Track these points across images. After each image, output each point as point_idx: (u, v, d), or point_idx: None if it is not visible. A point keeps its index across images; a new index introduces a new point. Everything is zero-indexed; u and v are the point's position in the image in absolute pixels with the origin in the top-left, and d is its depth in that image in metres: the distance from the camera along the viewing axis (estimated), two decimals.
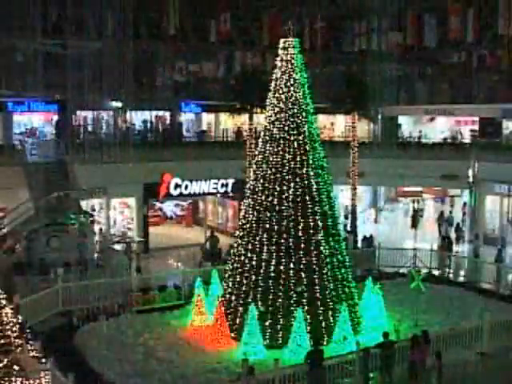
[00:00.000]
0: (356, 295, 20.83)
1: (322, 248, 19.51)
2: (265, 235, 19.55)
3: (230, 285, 20.36)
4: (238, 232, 20.80)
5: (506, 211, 33.46)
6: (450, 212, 39.74)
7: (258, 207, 19.92)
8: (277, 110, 20.06)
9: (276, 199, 19.62)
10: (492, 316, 19.74)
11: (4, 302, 13.19)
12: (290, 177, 19.66)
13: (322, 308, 19.20)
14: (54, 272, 23.75)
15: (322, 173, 20.17)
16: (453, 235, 34.68)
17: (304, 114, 20.01)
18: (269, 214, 19.61)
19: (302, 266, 19.23)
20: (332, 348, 18.35)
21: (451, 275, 28.19)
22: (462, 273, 28.56)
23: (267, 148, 20.12)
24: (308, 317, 18.84)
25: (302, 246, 19.32)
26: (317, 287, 19.25)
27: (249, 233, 20.00)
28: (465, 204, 38.40)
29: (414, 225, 35.34)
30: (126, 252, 28.80)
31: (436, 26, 42.15)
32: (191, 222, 40.42)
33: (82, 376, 15.99)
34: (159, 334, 20.37)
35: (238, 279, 20.05)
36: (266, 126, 20.44)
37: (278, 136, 19.94)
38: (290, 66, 19.99)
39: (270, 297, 19.13)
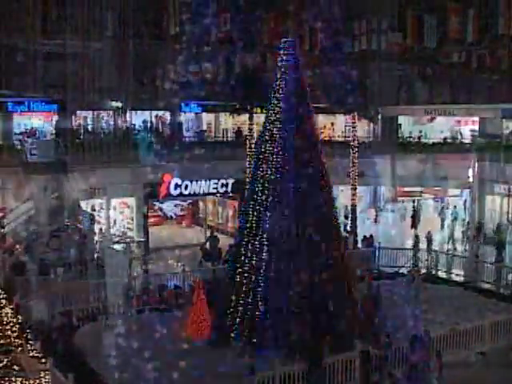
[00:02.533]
0: (356, 295, 20.81)
1: (321, 248, 19.50)
2: (265, 235, 19.54)
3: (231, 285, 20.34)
4: (237, 232, 20.77)
5: (505, 211, 33.42)
6: (455, 207, 39.41)
7: (258, 207, 19.91)
8: (277, 109, 20.06)
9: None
10: (492, 316, 19.75)
11: (4, 301, 13.20)
12: None
13: (322, 308, 19.19)
14: (54, 272, 23.76)
15: None
16: (457, 232, 34.63)
17: None
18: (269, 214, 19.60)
19: (301, 266, 19.22)
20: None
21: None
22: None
23: (267, 148, 20.12)
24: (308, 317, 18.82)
25: (302, 246, 19.32)
26: (317, 287, 19.24)
27: (249, 233, 20.00)
28: (465, 201, 38.30)
29: (414, 225, 35.31)
30: (125, 252, 28.79)
31: (436, 26, 42.11)
32: (191, 222, 40.40)
33: (81, 376, 15.99)
34: (159, 334, 20.35)
35: (238, 279, 20.05)
36: (266, 125, 20.44)
37: (278, 136, 19.94)
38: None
39: (270, 297, 19.13)
